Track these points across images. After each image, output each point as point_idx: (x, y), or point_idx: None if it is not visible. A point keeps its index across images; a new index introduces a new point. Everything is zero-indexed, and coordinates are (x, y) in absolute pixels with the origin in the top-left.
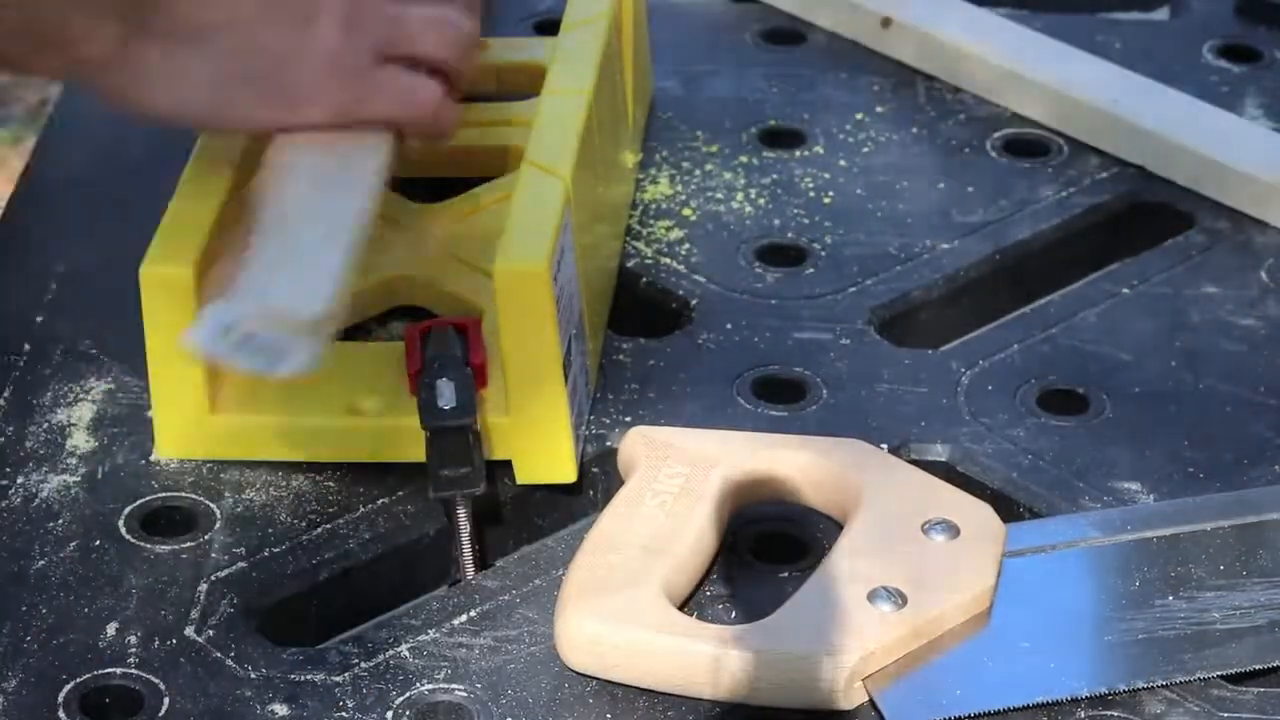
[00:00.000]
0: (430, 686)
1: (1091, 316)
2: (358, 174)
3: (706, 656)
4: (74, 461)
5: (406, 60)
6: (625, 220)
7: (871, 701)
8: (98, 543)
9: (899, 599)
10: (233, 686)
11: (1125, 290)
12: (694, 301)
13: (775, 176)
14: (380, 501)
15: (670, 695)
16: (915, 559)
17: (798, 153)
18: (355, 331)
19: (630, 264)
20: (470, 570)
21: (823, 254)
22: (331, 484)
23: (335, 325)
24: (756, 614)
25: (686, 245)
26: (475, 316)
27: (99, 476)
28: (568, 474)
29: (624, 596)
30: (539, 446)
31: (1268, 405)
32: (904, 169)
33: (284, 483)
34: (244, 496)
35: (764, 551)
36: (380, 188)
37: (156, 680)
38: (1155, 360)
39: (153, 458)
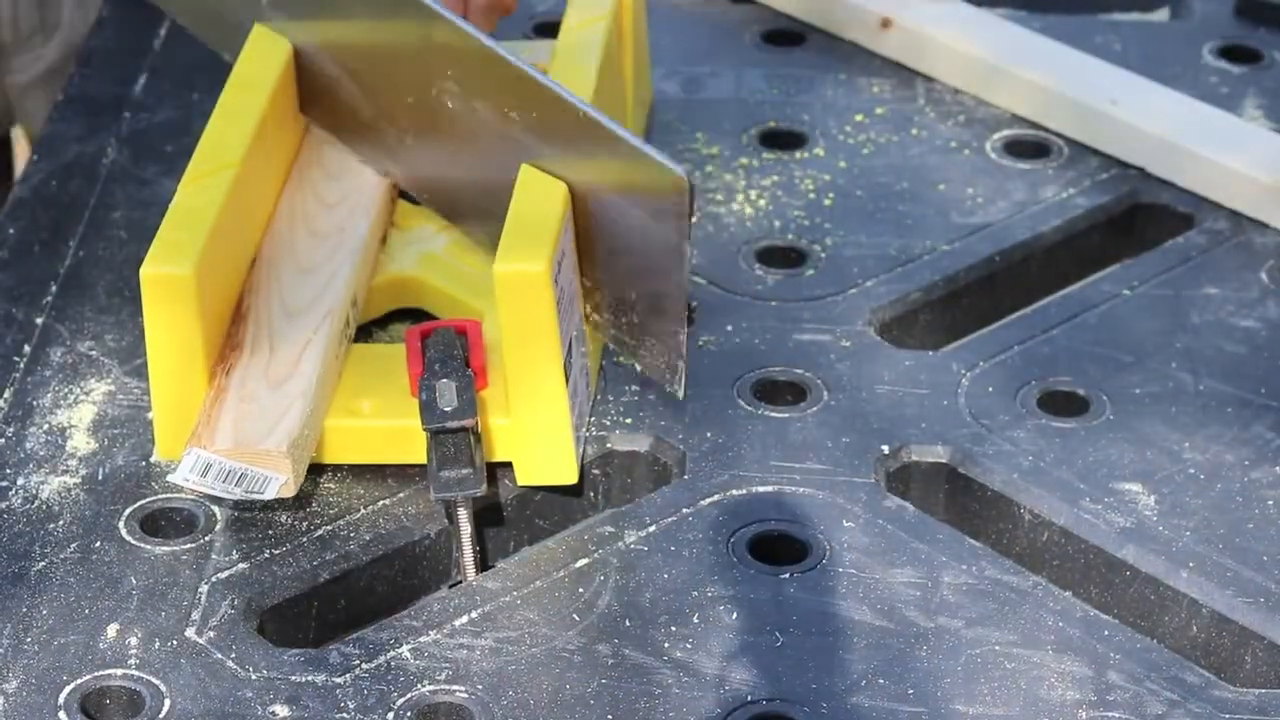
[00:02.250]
0: (431, 688)
1: (1092, 318)
2: (342, 258)
3: None
4: (74, 463)
5: None
6: None
7: None
8: (98, 544)
9: None
10: (234, 688)
11: (1125, 291)
12: (694, 303)
13: (775, 178)
14: (381, 503)
15: (672, 692)
16: None
17: (798, 154)
18: (356, 334)
19: None
20: (471, 571)
21: (823, 256)
22: (332, 485)
23: (311, 448)
24: (756, 616)
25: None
26: (476, 319)
27: (99, 478)
28: (569, 475)
29: None
30: (540, 448)
31: (1268, 406)
32: (904, 170)
33: None
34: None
35: (764, 552)
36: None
37: (157, 681)
38: (1156, 361)
39: (153, 459)
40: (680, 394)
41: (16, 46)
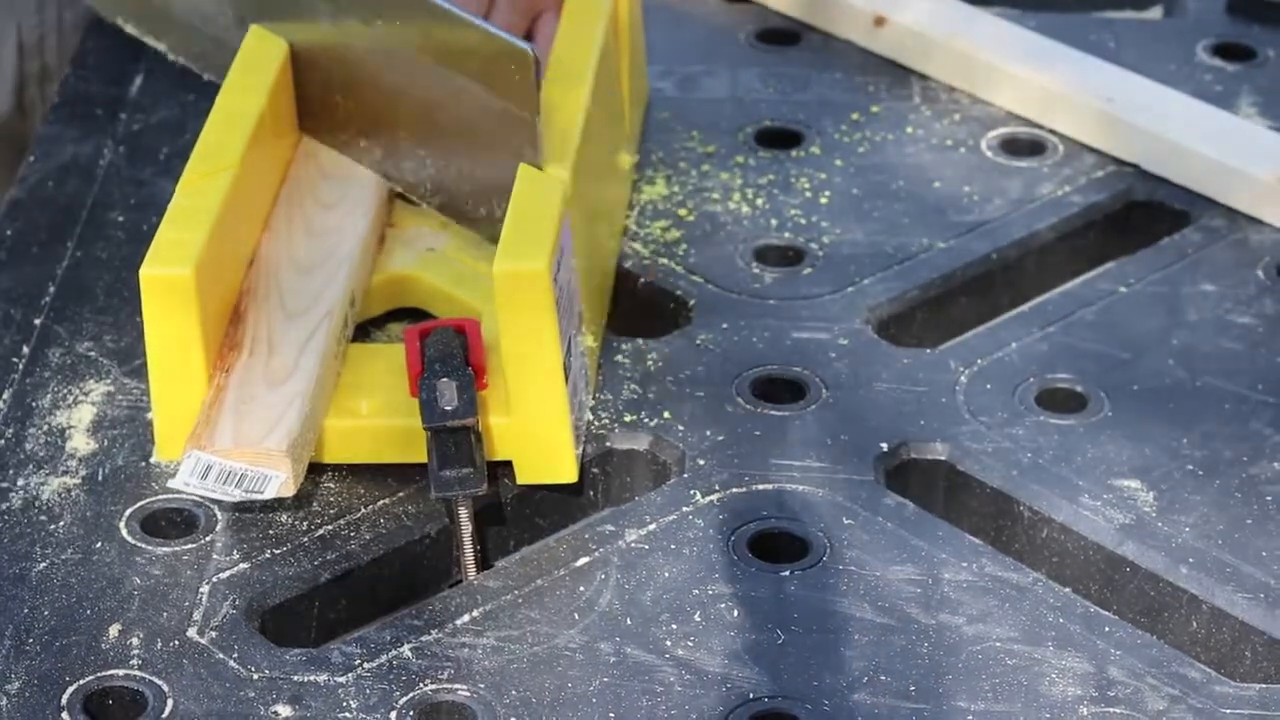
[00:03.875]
0: (434, 687)
1: (1089, 315)
2: (340, 256)
3: None
4: (74, 464)
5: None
6: (623, 221)
7: None
8: (99, 545)
9: None
10: (236, 687)
11: (1122, 289)
12: (692, 302)
13: (771, 176)
14: (381, 502)
15: (675, 690)
16: None
17: (794, 153)
18: (354, 333)
19: (628, 264)
20: (472, 570)
21: (820, 254)
22: (332, 485)
23: (311, 448)
24: (758, 613)
25: (684, 246)
26: (474, 318)
27: (99, 479)
28: (568, 474)
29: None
30: (539, 447)
31: (1266, 403)
32: (900, 168)
33: None
34: None
35: (764, 550)
36: (369, 247)
37: (160, 682)
38: (1153, 358)
39: (153, 459)
40: None
41: (59, 73)
